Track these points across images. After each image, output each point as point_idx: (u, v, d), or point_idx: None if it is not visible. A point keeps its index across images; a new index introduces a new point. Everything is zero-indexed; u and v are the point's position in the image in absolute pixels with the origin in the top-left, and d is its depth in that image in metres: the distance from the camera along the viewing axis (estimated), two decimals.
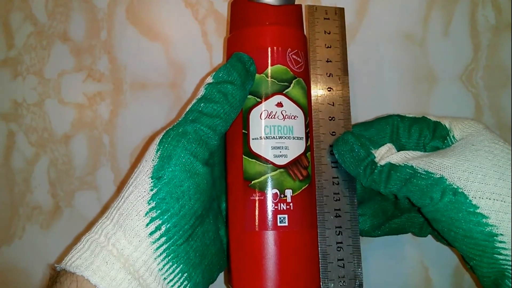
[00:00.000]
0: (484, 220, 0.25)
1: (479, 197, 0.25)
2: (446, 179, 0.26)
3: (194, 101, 0.29)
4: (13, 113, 0.42)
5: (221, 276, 0.32)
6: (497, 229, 0.25)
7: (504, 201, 0.25)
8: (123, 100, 0.41)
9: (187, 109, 0.29)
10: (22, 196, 0.42)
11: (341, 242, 0.30)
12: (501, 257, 0.25)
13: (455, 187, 0.26)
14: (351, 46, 0.40)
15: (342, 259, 0.30)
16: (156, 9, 0.41)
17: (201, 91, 0.29)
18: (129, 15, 0.41)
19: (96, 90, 0.41)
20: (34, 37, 0.42)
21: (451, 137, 0.29)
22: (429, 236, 0.39)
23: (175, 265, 0.25)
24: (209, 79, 0.29)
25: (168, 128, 0.28)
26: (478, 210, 0.25)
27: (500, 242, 0.25)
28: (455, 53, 0.41)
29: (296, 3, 0.33)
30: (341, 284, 0.29)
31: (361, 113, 0.40)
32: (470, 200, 0.25)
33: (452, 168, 0.26)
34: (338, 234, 0.30)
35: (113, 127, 0.41)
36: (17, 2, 0.42)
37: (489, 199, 0.25)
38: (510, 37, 0.40)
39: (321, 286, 0.29)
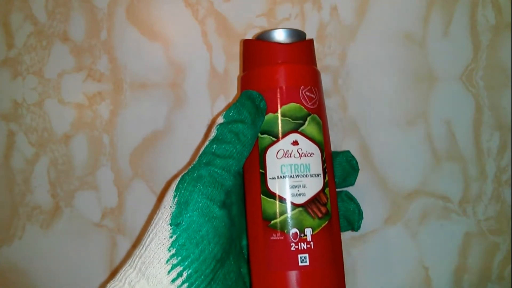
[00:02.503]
0: None
1: None
2: None
3: (206, 142, 0.29)
4: (13, 113, 0.42)
5: None
6: None
7: None
8: (123, 100, 0.41)
9: (200, 152, 0.29)
10: (22, 196, 0.42)
11: None
12: None
13: None
14: (351, 46, 0.40)
15: None
16: (156, 9, 0.41)
17: (213, 132, 0.29)
18: (129, 15, 0.41)
19: (96, 90, 0.41)
20: (34, 37, 0.42)
21: None
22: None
23: None
24: (220, 119, 0.30)
25: (183, 173, 0.28)
26: None
27: None
28: (455, 53, 0.41)
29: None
30: None
31: (361, 113, 0.40)
32: None
33: None
34: None
35: (113, 127, 0.41)
36: (17, 2, 0.42)
37: None
38: (510, 37, 0.40)
39: None
